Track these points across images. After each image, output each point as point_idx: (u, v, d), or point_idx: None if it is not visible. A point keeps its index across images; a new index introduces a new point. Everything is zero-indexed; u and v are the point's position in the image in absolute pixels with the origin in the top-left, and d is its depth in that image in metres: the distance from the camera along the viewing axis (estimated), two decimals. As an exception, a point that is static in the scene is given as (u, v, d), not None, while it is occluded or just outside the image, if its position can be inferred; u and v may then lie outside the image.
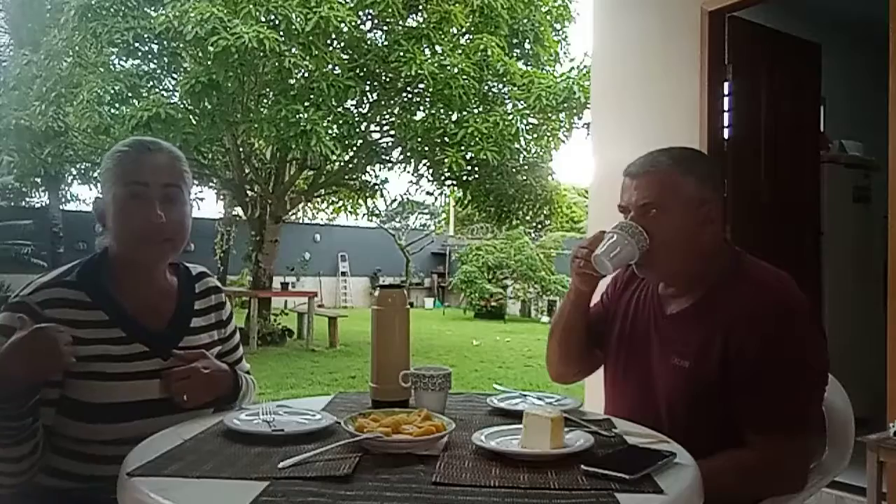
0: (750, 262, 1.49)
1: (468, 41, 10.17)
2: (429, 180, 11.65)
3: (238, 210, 12.26)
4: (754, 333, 1.35)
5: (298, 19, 8.42)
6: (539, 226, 18.94)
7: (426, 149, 10.09)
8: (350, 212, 14.41)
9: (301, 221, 18.95)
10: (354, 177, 11.83)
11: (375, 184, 12.33)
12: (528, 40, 10.86)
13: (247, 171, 10.72)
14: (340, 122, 9.39)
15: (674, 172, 1.43)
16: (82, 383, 1.32)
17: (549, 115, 10.05)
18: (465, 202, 11.65)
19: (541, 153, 11.07)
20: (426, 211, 21.88)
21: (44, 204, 16.66)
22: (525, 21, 10.70)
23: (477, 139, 9.40)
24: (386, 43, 9.83)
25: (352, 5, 9.25)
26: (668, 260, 1.45)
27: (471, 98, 9.55)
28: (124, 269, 1.43)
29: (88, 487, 1.34)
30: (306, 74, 9.27)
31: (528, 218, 12.51)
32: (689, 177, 1.43)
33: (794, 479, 1.38)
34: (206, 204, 16.56)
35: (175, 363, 1.39)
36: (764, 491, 1.36)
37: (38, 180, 14.72)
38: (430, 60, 9.27)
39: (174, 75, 10.20)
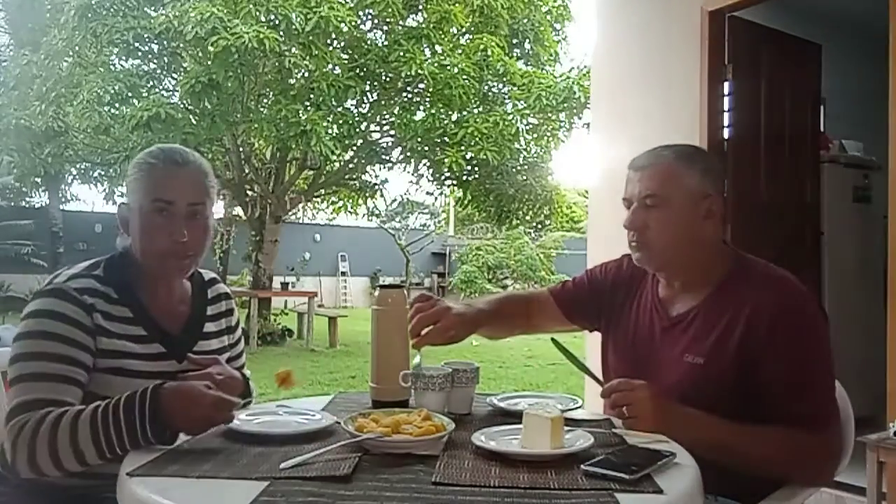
0: (752, 262, 1.52)
1: (468, 41, 10.17)
2: (429, 180, 11.64)
3: (238, 210, 12.24)
4: (778, 333, 1.37)
5: (298, 19, 8.42)
6: (539, 226, 18.93)
7: (426, 149, 10.09)
8: (350, 212, 14.39)
9: (301, 221, 18.92)
10: (354, 177, 11.82)
11: (375, 184, 12.32)
12: (528, 40, 10.87)
13: (247, 170, 10.71)
14: (340, 122, 9.39)
15: (678, 165, 1.47)
16: (103, 377, 1.33)
17: (549, 115, 10.05)
18: (465, 202, 11.65)
19: (541, 153, 11.07)
20: (426, 211, 21.84)
21: (44, 204, 16.63)
22: (525, 21, 10.70)
23: (477, 139, 9.40)
24: (386, 43, 9.83)
25: (352, 5, 9.25)
26: (665, 249, 1.48)
27: (471, 98, 9.55)
28: (145, 272, 1.44)
29: (94, 485, 1.33)
30: (306, 74, 9.27)
31: (528, 218, 12.50)
32: (692, 170, 1.47)
33: (831, 471, 1.41)
34: (206, 204, 16.53)
35: (190, 367, 1.41)
36: (803, 473, 1.38)
37: (38, 180, 14.65)
38: (430, 60, 9.27)
39: (174, 75, 10.19)
